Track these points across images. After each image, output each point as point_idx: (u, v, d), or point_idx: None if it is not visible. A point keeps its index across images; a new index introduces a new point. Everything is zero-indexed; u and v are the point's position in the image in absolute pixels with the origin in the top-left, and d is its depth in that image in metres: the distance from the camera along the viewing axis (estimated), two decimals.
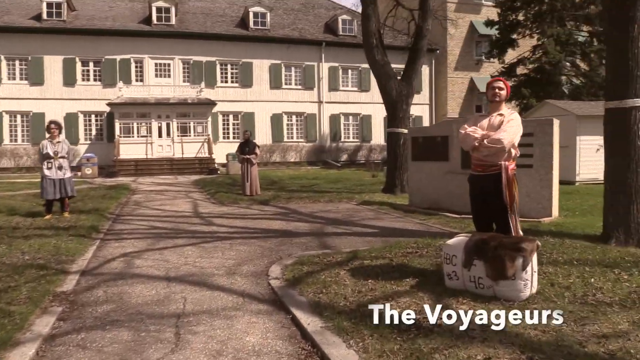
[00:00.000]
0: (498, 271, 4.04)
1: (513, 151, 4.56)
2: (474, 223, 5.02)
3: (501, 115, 4.60)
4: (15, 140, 26.94)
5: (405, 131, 13.80)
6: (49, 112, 26.67)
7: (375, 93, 32.61)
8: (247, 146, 14.05)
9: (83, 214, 9.82)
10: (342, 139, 32.00)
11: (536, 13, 26.60)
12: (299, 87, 30.97)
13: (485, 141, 4.47)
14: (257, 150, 14.17)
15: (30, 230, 7.91)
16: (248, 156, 13.82)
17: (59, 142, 9.59)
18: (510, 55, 29.56)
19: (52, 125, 9.54)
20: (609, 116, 6.35)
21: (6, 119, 26.77)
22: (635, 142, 6.04)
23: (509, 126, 4.47)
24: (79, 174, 22.71)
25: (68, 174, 9.63)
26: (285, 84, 30.67)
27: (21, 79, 26.89)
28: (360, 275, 4.89)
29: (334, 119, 31.77)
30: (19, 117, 26.98)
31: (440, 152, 10.29)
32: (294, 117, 30.98)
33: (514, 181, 4.55)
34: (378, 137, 32.53)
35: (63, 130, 11.22)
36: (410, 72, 14.22)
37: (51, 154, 9.44)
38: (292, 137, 30.97)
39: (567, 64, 27.50)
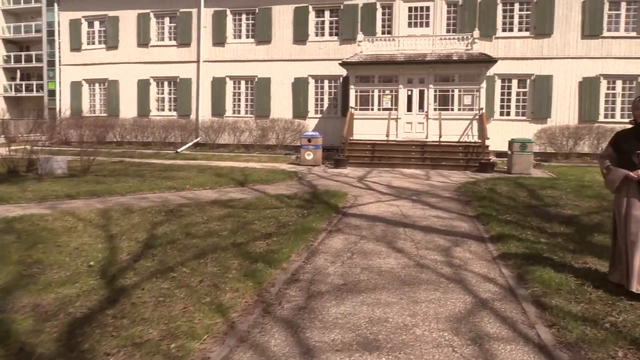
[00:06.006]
0: None
1: None
2: None
3: None
4: (238, 113, 22.20)
5: None
6: (275, 76, 21.20)
7: None
8: None
9: None
10: None
11: None
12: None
13: None
14: None
15: None
16: None
17: None
18: None
19: None
20: None
21: (229, 85, 22.13)
22: None
23: None
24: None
25: None
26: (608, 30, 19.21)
27: (247, 36, 21.89)
28: None
29: None
30: (242, 83, 22.08)
31: None
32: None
33: None
34: None
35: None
36: None
37: None
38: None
39: None
